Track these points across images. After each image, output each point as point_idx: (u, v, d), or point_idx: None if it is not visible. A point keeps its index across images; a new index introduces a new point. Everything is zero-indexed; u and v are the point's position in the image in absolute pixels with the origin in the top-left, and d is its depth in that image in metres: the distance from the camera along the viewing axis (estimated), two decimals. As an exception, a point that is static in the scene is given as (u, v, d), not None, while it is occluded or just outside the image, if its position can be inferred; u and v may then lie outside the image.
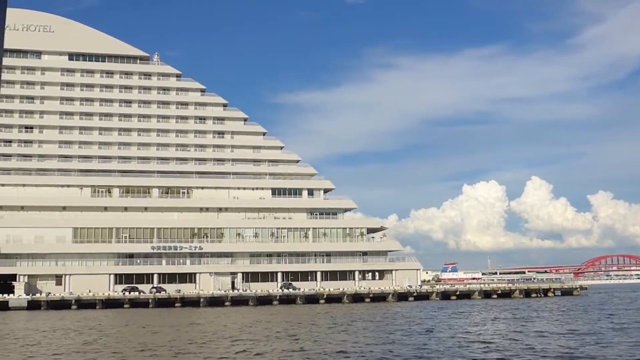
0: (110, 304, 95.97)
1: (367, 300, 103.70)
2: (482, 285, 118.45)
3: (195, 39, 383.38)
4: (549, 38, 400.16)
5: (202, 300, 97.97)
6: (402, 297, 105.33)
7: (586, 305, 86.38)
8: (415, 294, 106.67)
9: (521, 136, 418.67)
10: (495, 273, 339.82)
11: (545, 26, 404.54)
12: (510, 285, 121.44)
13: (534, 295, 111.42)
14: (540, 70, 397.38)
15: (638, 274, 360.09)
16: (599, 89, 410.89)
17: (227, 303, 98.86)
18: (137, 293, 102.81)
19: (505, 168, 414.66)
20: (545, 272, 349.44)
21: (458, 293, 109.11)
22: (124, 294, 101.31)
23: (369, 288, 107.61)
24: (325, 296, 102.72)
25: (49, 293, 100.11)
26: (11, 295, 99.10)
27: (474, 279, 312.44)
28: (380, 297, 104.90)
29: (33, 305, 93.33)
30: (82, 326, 61.42)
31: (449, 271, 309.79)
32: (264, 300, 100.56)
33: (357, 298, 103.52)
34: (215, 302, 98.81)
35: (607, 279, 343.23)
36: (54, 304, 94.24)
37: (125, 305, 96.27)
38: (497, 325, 55.51)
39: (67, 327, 60.22)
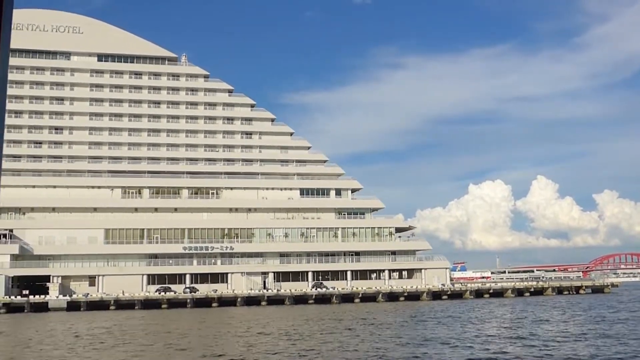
0: (149, 304, 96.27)
1: (402, 299, 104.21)
2: (514, 284, 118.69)
3: (199, 39, 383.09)
4: (556, 37, 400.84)
5: (239, 300, 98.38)
6: (436, 295, 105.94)
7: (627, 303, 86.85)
8: (449, 293, 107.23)
9: (528, 135, 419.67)
10: (504, 272, 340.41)
11: (551, 25, 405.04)
12: (542, 283, 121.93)
13: (565, 292, 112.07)
14: (548, 69, 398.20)
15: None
16: (606, 87, 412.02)
17: (263, 303, 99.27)
18: (172, 293, 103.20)
19: (512, 167, 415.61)
20: (554, 270, 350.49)
21: (491, 291, 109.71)
22: (160, 294, 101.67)
23: (404, 287, 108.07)
24: (360, 295, 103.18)
25: (87, 294, 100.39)
26: (48, 296, 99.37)
27: (483, 277, 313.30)
28: (414, 296, 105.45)
29: (72, 306, 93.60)
30: (142, 327, 61.76)
31: (458, 270, 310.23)
32: (300, 300, 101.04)
33: (392, 297, 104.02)
34: (251, 301, 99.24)
35: (625, 277, 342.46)
36: (93, 305, 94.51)
37: (163, 306, 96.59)
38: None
39: (130, 326, 60.57)
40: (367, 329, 54.12)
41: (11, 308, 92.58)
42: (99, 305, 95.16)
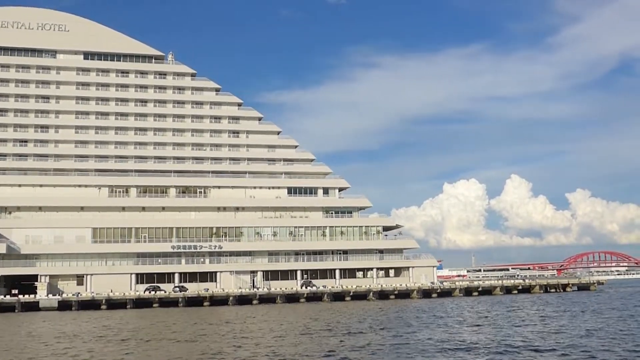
0: (140, 303, 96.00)
1: (392, 297, 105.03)
2: (502, 282, 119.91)
3: (173, 38, 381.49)
4: (530, 37, 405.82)
5: (231, 299, 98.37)
6: (426, 293, 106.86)
7: (620, 299, 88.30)
8: (439, 291, 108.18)
9: (502, 135, 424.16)
10: (480, 270, 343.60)
11: (525, 26, 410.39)
12: (530, 281, 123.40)
13: (552, 290, 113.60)
14: (522, 69, 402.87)
15: (618, 270, 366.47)
16: (579, 88, 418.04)
17: (255, 302, 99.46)
18: (162, 292, 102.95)
19: (486, 167, 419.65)
20: (529, 269, 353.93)
21: (480, 289, 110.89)
22: (149, 293, 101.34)
23: (394, 285, 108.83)
24: (351, 293, 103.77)
25: (78, 293, 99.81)
26: (38, 295, 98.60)
27: (459, 276, 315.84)
28: (404, 294, 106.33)
29: (63, 306, 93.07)
30: (147, 326, 61.66)
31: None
32: (291, 298, 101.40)
33: (383, 295, 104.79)
34: (243, 300, 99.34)
35: (612, 275, 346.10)
36: (84, 304, 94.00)
37: (154, 305, 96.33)
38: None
39: (139, 327, 60.47)
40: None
41: (1, 307, 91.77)
42: (90, 304, 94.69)
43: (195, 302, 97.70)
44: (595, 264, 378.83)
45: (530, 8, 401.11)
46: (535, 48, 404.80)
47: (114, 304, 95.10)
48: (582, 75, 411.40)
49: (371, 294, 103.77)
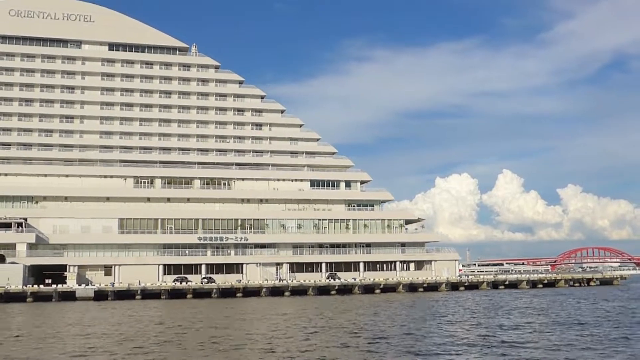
0: (174, 294, 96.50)
1: (421, 290, 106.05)
2: (529, 276, 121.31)
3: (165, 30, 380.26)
4: (522, 33, 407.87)
5: (263, 290, 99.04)
6: (454, 286, 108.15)
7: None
8: (466, 284, 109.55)
9: (494, 130, 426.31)
10: (474, 265, 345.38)
11: (518, 21, 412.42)
12: (555, 276, 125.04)
13: (576, 284, 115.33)
14: (514, 65, 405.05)
15: (612, 266, 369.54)
16: (571, 83, 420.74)
17: (286, 293, 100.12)
18: (192, 283, 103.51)
19: (478, 161, 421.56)
20: (522, 264, 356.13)
21: (507, 283, 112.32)
22: (178, 284, 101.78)
23: (423, 278, 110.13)
24: (381, 286, 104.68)
25: (113, 283, 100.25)
26: (70, 285, 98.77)
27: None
28: (433, 287, 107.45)
29: (99, 296, 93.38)
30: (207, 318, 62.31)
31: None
32: (323, 290, 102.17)
33: (412, 287, 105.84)
34: (275, 292, 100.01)
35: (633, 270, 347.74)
36: (120, 294, 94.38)
37: (188, 296, 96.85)
38: None
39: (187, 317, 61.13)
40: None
41: (38, 297, 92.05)
42: (126, 294, 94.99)
43: (228, 293, 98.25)
44: (588, 259, 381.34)
45: (523, 4, 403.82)
46: (528, 44, 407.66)
47: (149, 294, 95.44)
48: (574, 71, 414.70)
49: (401, 286, 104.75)
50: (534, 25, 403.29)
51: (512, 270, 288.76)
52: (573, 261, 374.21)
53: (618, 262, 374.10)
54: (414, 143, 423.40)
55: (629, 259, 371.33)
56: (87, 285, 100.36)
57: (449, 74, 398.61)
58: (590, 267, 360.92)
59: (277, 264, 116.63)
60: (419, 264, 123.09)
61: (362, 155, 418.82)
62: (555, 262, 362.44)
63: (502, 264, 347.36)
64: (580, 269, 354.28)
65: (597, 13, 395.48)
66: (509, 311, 60.84)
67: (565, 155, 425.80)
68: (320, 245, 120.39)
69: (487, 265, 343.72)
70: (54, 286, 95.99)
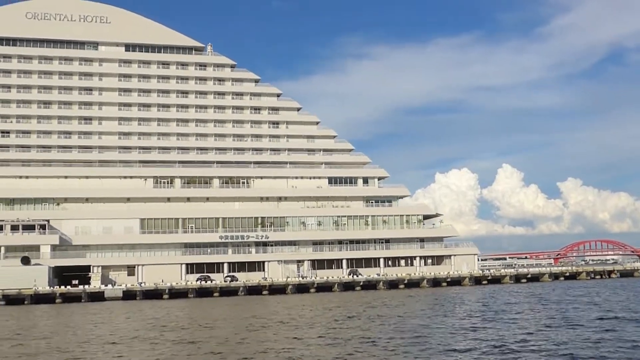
0: (202, 292, 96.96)
1: (444, 284, 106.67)
2: (550, 269, 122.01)
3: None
4: (519, 27, 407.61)
5: (290, 287, 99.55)
6: (477, 280, 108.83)
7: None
8: (489, 278, 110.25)
9: (493, 124, 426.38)
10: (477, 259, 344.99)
11: (515, 15, 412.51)
12: (577, 268, 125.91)
13: (597, 277, 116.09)
14: (513, 59, 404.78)
15: (614, 259, 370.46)
16: (569, 77, 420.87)
17: (312, 290, 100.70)
18: (217, 282, 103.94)
19: (478, 156, 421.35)
20: (526, 257, 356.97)
21: (529, 276, 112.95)
22: (201, 282, 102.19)
23: (447, 272, 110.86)
24: (405, 281, 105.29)
25: (142, 283, 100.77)
26: (95, 286, 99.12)
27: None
28: (456, 281, 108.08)
29: (128, 295, 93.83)
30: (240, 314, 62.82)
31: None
32: (348, 286, 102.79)
33: (436, 282, 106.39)
34: (301, 289, 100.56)
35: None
36: (148, 294, 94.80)
37: (214, 294, 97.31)
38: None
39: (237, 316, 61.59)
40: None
41: (67, 298, 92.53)
42: (153, 294, 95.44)
43: (255, 290, 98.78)
44: (591, 252, 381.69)
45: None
46: (525, 38, 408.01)
47: (176, 294, 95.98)
48: (572, 65, 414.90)
49: (425, 281, 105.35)
50: (530, 19, 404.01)
51: (514, 264, 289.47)
52: (575, 254, 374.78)
53: (620, 254, 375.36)
54: (412, 139, 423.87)
55: (632, 252, 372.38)
56: (111, 285, 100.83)
57: (447, 70, 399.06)
58: (592, 260, 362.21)
59: (298, 261, 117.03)
60: (438, 259, 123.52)
61: (361, 152, 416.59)
62: (558, 255, 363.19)
63: (504, 258, 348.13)
64: (582, 262, 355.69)
65: (594, 6, 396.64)
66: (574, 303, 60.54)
67: (565, 148, 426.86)
68: (340, 242, 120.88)
69: (487, 259, 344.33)
70: (82, 287, 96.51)
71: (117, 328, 49.41)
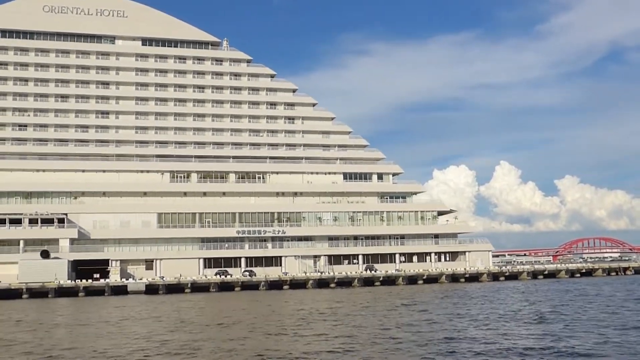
0: (224, 287, 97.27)
1: (462, 280, 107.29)
2: (567, 266, 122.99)
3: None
4: (519, 25, 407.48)
5: (310, 282, 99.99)
6: (495, 277, 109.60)
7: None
8: (507, 274, 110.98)
9: (492, 122, 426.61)
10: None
11: (514, 13, 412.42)
12: (592, 265, 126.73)
13: (613, 274, 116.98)
14: (512, 57, 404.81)
15: (612, 256, 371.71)
16: (568, 75, 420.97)
17: (332, 285, 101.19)
18: (238, 276, 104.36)
19: (476, 154, 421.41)
20: (524, 255, 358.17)
21: (546, 272, 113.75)
22: (219, 277, 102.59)
23: (465, 268, 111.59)
24: (424, 277, 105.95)
25: (162, 277, 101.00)
26: (113, 279, 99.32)
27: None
28: (474, 277, 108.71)
29: (150, 289, 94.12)
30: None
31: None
32: (367, 282, 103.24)
33: (455, 278, 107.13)
34: (322, 284, 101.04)
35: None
36: (170, 288, 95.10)
37: (236, 289, 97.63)
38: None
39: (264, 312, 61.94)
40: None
41: (90, 291, 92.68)
42: (175, 288, 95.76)
43: (276, 285, 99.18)
44: (589, 250, 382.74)
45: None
46: (525, 36, 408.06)
47: (197, 288, 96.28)
48: (571, 63, 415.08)
49: (443, 277, 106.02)
50: (530, 17, 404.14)
51: (514, 261, 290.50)
52: (574, 252, 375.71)
53: (618, 252, 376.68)
54: (411, 136, 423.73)
55: (630, 249, 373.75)
56: (132, 279, 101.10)
57: (447, 67, 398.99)
58: (590, 258, 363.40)
59: (315, 256, 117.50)
60: (453, 255, 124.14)
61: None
62: (557, 252, 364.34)
63: (504, 255, 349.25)
64: (581, 260, 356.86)
65: (594, 4, 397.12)
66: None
67: (563, 146, 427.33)
68: (356, 238, 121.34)
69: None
70: (104, 280, 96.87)
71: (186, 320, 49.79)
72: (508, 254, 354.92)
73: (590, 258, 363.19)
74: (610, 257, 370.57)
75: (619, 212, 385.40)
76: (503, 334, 37.74)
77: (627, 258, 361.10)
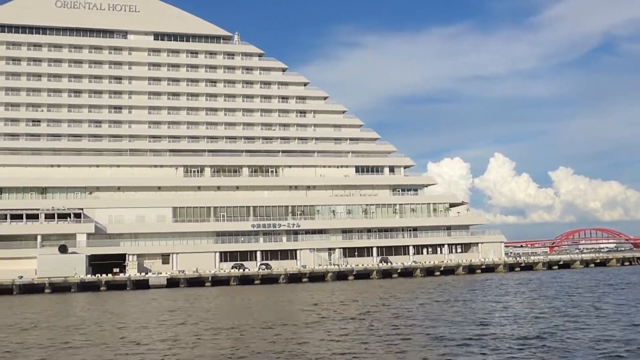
0: (244, 280, 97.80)
1: (478, 271, 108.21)
2: (582, 256, 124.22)
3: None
4: (511, 16, 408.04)
5: (329, 274, 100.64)
6: (511, 267, 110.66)
7: None
8: (522, 265, 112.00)
9: (485, 114, 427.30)
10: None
11: (506, 4, 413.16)
12: (607, 255, 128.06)
13: (626, 263, 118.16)
14: (505, 49, 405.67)
15: (608, 247, 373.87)
16: (561, 67, 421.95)
17: (350, 277, 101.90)
18: (255, 269, 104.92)
19: (470, 146, 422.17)
20: (521, 246, 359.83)
21: (561, 262, 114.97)
22: (236, 270, 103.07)
23: (482, 259, 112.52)
24: (442, 268, 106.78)
25: (183, 271, 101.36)
26: (150, 274, 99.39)
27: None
28: (490, 268, 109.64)
29: (172, 283, 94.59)
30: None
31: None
32: (386, 274, 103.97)
33: (471, 269, 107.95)
34: (340, 276, 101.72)
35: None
36: (191, 281, 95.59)
37: (256, 282, 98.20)
38: None
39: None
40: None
41: (111, 286, 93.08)
42: (196, 281, 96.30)
43: (295, 278, 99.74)
44: (585, 241, 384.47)
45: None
46: (518, 27, 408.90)
47: (218, 281, 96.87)
48: (564, 55, 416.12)
49: (460, 268, 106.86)
50: (522, 8, 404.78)
51: (510, 252, 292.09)
52: (570, 242, 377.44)
53: (614, 242, 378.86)
54: (405, 128, 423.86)
55: (626, 240, 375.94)
56: (150, 273, 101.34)
57: (439, 59, 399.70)
58: (586, 249, 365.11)
59: (330, 249, 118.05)
60: (465, 247, 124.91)
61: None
62: (553, 244, 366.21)
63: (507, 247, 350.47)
64: (577, 251, 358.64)
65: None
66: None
67: (556, 138, 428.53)
68: (369, 230, 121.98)
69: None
70: (125, 275, 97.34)
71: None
72: (505, 245, 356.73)
73: (586, 249, 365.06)
74: (607, 247, 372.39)
75: (613, 203, 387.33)
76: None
77: (622, 249, 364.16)
